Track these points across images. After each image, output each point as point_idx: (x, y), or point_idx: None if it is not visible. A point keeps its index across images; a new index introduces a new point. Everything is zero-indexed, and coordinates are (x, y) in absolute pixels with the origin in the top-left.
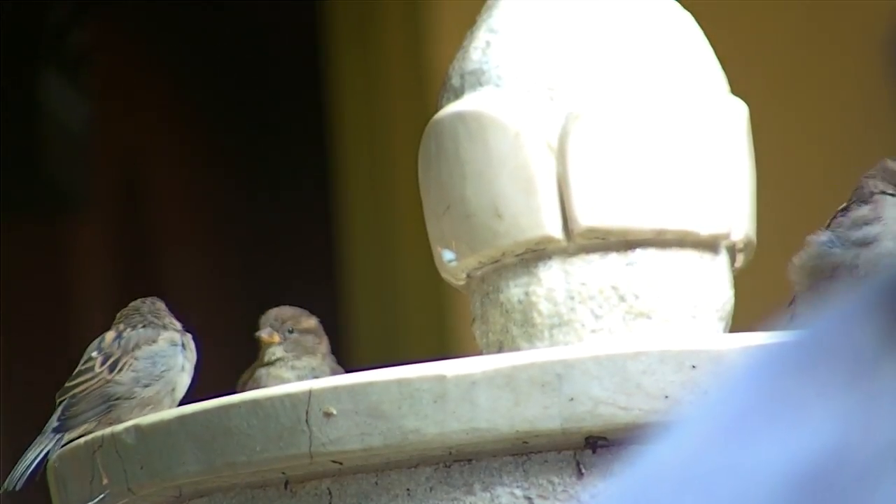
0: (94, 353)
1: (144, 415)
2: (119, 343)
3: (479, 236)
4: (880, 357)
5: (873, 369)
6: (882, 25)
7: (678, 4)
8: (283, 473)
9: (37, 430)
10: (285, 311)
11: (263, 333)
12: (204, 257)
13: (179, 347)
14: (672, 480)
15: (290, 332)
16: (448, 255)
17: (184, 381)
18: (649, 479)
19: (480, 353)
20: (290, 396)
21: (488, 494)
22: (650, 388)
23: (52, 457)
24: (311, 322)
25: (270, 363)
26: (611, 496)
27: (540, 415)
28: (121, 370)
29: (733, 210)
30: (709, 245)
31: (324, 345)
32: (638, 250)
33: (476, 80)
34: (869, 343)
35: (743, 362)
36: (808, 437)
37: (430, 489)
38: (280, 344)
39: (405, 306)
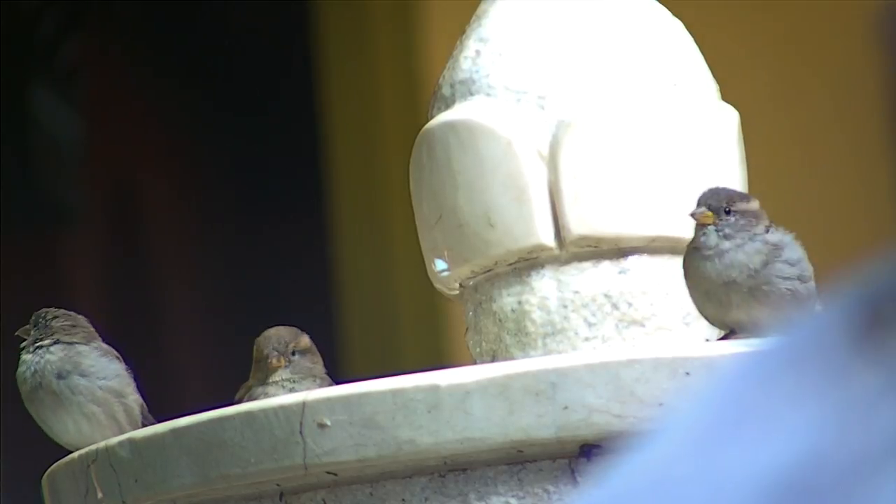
0: None
1: None
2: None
3: (472, 245)
4: (852, 365)
5: (845, 377)
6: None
7: (668, 12)
8: (278, 485)
9: (34, 443)
10: (285, 333)
11: (273, 359)
12: (197, 270)
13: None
14: (645, 490)
15: (294, 353)
16: (441, 265)
17: None
18: (622, 490)
19: (474, 363)
20: (284, 408)
21: None
22: (644, 395)
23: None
24: (306, 340)
25: (270, 384)
26: None
27: (534, 423)
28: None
29: None
30: None
31: (319, 366)
32: (631, 258)
33: (467, 89)
34: (841, 351)
35: (717, 371)
36: (781, 445)
37: (426, 499)
38: (286, 367)
39: (399, 317)
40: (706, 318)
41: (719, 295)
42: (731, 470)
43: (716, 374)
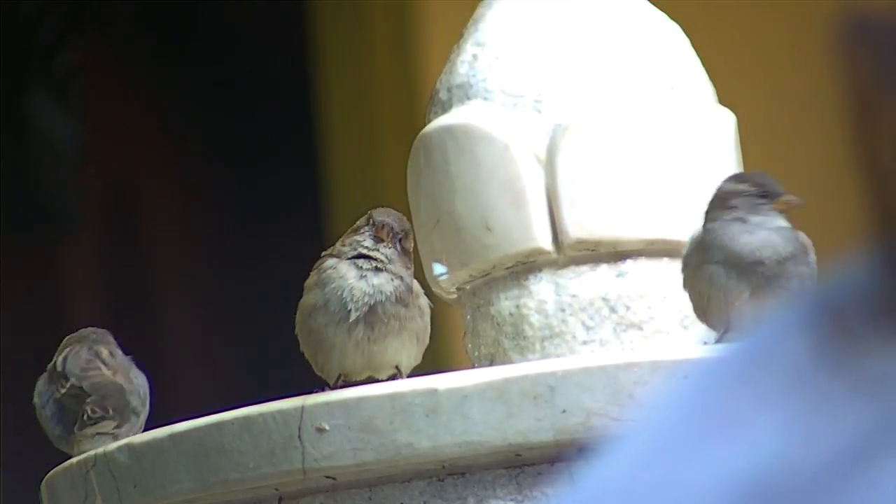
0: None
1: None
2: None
3: (470, 250)
4: (816, 369)
5: (810, 382)
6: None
7: (665, 15)
8: (277, 489)
9: (33, 449)
10: (405, 221)
11: (387, 230)
12: (196, 274)
13: None
14: (614, 495)
15: (400, 242)
16: (439, 269)
17: None
18: (591, 495)
19: (472, 367)
20: (282, 412)
21: None
22: (642, 398)
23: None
24: (412, 242)
25: (364, 254)
26: None
27: (533, 427)
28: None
29: None
30: None
31: (410, 270)
32: (628, 261)
33: (464, 93)
34: (805, 356)
35: (682, 376)
36: (748, 450)
37: (424, 503)
38: (389, 247)
39: None
40: (710, 305)
41: (742, 274)
42: (699, 474)
43: (684, 378)
